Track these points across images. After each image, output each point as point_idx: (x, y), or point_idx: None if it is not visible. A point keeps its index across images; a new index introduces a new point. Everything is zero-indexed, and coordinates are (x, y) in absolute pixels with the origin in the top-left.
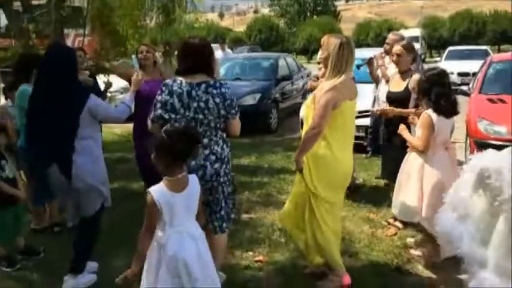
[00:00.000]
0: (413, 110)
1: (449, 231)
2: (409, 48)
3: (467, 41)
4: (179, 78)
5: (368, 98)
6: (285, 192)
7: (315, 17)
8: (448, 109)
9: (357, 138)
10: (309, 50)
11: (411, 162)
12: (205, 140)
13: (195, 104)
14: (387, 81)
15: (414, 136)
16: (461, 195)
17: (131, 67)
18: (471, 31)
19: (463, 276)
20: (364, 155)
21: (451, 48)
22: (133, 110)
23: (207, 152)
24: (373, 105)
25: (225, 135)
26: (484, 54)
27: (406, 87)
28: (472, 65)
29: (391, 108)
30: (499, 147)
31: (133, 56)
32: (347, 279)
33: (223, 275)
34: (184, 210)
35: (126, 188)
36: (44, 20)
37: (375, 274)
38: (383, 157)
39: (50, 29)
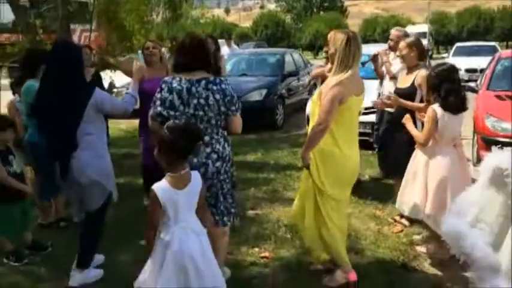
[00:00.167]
0: (416, 104)
1: (459, 235)
2: (414, 44)
3: (475, 37)
4: (179, 75)
5: (373, 94)
6: (291, 189)
7: (321, 12)
8: (456, 105)
9: (363, 134)
10: (315, 46)
11: (418, 158)
12: (207, 138)
13: (195, 101)
14: (392, 78)
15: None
16: (472, 198)
17: None
18: (479, 27)
19: (469, 274)
20: (370, 152)
21: (458, 44)
22: (138, 99)
23: (208, 150)
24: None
25: (226, 133)
26: (492, 51)
27: (412, 83)
28: (480, 62)
29: (395, 96)
30: (507, 144)
31: (139, 52)
32: (353, 276)
33: (228, 271)
34: (187, 207)
35: (132, 183)
36: (51, 15)
37: (381, 271)
38: (384, 154)
39: (56, 25)
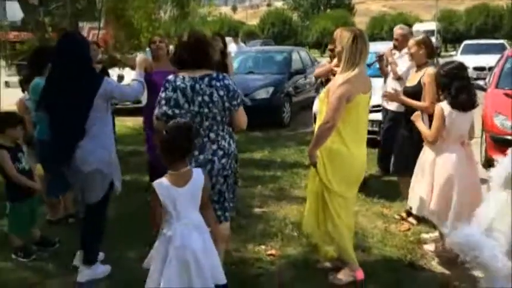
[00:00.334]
0: (419, 103)
1: (475, 246)
2: (423, 42)
3: (484, 34)
4: (181, 73)
5: (379, 92)
6: (297, 187)
7: (328, 10)
8: (467, 103)
9: (370, 132)
10: (322, 44)
11: (426, 155)
12: (212, 135)
13: (199, 98)
14: (398, 79)
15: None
16: (488, 208)
17: None
18: (487, 25)
19: (477, 273)
20: (377, 150)
21: (467, 42)
22: (145, 85)
23: (214, 147)
24: (381, 101)
25: (231, 130)
26: (501, 49)
27: (419, 82)
28: (489, 59)
29: (397, 93)
30: None
31: (147, 50)
32: (360, 274)
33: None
34: (189, 204)
35: (139, 180)
36: (60, 13)
37: (388, 269)
38: (387, 152)
39: (65, 22)
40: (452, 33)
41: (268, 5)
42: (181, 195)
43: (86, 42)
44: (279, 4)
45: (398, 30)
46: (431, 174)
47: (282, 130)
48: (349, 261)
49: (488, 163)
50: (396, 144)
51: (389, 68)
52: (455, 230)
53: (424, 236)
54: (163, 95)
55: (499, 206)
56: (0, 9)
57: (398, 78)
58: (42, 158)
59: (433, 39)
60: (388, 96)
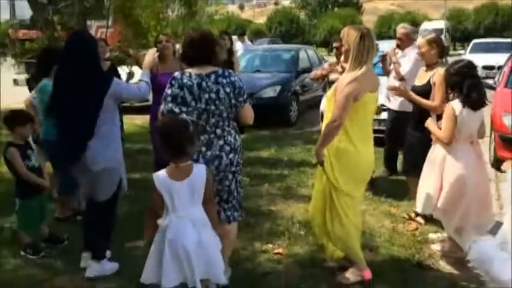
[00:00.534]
0: (427, 102)
1: (486, 259)
2: (434, 41)
3: (493, 33)
4: (188, 70)
5: (385, 91)
6: (304, 185)
7: (336, 8)
8: (478, 101)
9: (378, 131)
10: (329, 43)
11: (435, 154)
12: (219, 131)
13: (206, 96)
14: (400, 79)
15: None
16: (505, 222)
17: None
18: (496, 23)
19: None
20: (384, 149)
21: (475, 40)
22: (150, 86)
23: (221, 142)
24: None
25: (236, 125)
26: (510, 47)
27: (429, 81)
28: (498, 58)
29: (403, 87)
30: None
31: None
32: (368, 274)
33: (229, 269)
34: (188, 198)
35: (147, 178)
36: (68, 11)
37: (396, 269)
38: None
39: (73, 21)
40: (461, 32)
41: (276, 3)
42: (178, 188)
43: (94, 41)
44: (286, 3)
45: (401, 29)
46: (440, 172)
47: (289, 129)
48: (357, 260)
49: (497, 163)
50: (405, 145)
51: (391, 67)
52: (459, 234)
53: (432, 235)
54: (169, 91)
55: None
56: (9, 8)
57: (401, 79)
58: (50, 156)
59: (442, 38)
60: (397, 90)
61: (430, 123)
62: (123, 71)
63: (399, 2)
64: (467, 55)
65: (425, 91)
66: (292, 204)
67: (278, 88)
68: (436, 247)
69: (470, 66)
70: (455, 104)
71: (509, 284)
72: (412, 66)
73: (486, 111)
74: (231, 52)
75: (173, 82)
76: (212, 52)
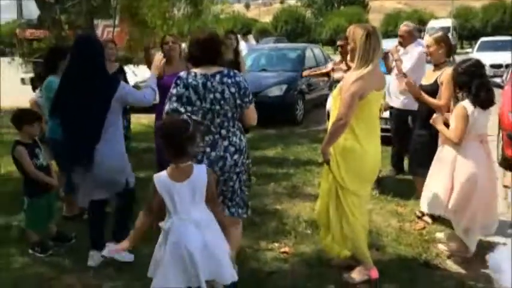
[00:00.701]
0: (434, 100)
1: (499, 269)
2: (442, 40)
3: (500, 31)
4: (193, 70)
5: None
6: (310, 184)
7: (342, 7)
8: (487, 100)
9: (384, 130)
10: (335, 41)
11: (445, 154)
12: (224, 131)
13: (211, 95)
14: (403, 77)
15: None
16: None
17: None
18: (504, 22)
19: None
20: (391, 148)
21: (483, 39)
22: (157, 92)
23: (226, 143)
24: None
25: (241, 126)
26: None
27: (436, 81)
28: (505, 57)
29: (414, 82)
30: None
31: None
32: (374, 273)
33: (235, 265)
34: (190, 199)
35: (152, 177)
36: (75, 10)
37: (403, 268)
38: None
39: (80, 20)
40: (469, 30)
41: (282, 2)
42: (179, 190)
43: (100, 43)
44: (292, 1)
45: (403, 27)
46: (451, 172)
47: (295, 127)
48: (364, 260)
49: (505, 161)
50: (411, 144)
51: (393, 64)
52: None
53: (439, 235)
54: (174, 91)
55: None
56: (16, 8)
57: (404, 76)
58: (55, 155)
59: (449, 36)
60: (407, 84)
61: (438, 122)
62: (129, 69)
63: (406, 1)
64: (475, 53)
65: (433, 90)
66: (298, 203)
67: (284, 87)
68: (443, 246)
69: (478, 65)
70: (467, 104)
71: None
72: (414, 63)
73: (494, 110)
74: (237, 52)
75: (178, 82)
76: (218, 52)
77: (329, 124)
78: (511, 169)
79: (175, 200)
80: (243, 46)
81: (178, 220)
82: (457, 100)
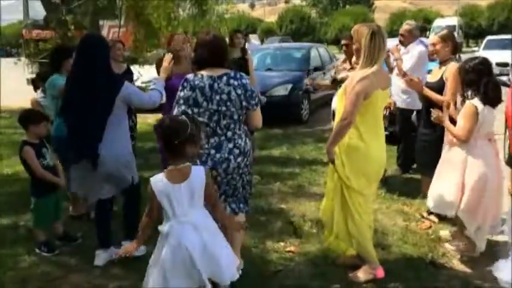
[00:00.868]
0: (439, 96)
1: (498, 268)
2: (448, 37)
3: (506, 30)
4: (200, 72)
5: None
6: (316, 184)
7: (347, 6)
8: (495, 98)
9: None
10: (340, 40)
11: (453, 153)
12: (229, 133)
13: (217, 97)
14: (403, 76)
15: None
16: None
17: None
18: (510, 20)
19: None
20: (396, 146)
21: (489, 37)
22: (164, 95)
23: (231, 145)
24: None
25: (246, 129)
26: None
27: (441, 77)
28: None
29: (419, 80)
30: None
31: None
32: (380, 272)
33: (241, 261)
34: (188, 201)
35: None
36: (81, 11)
37: (409, 267)
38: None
39: (86, 21)
40: (475, 28)
41: (287, 1)
42: (177, 191)
43: (105, 43)
44: (297, 1)
45: (404, 26)
46: (461, 172)
47: (300, 127)
48: (369, 259)
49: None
50: (417, 144)
51: (394, 63)
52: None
53: (445, 234)
54: (181, 94)
55: None
56: (22, 8)
57: (404, 75)
58: (59, 154)
59: (455, 34)
60: (410, 83)
61: (444, 119)
62: (134, 69)
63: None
64: (481, 52)
65: (439, 87)
66: (303, 203)
67: (289, 86)
68: (449, 246)
69: (486, 63)
70: (477, 103)
71: None
72: (415, 62)
73: (499, 108)
74: (244, 50)
75: (185, 84)
76: (224, 54)
77: (334, 123)
78: None
79: (173, 204)
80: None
81: (177, 223)
82: (464, 98)
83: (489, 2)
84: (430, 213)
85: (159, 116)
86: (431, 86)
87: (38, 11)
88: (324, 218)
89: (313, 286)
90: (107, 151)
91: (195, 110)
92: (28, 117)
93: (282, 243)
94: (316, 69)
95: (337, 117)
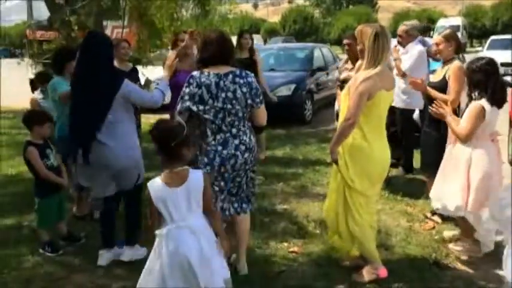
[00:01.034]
0: (443, 95)
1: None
2: (451, 37)
3: (510, 30)
4: (206, 70)
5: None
6: (319, 184)
7: (351, 6)
8: (501, 99)
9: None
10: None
11: (458, 153)
12: (234, 130)
13: (223, 95)
14: (402, 76)
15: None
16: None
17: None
18: None
19: (503, 272)
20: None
21: (493, 37)
22: (167, 95)
23: (237, 142)
24: None
25: (250, 125)
26: None
27: (444, 77)
28: None
29: (423, 81)
30: None
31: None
32: (383, 272)
33: (245, 268)
34: (185, 205)
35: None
36: (85, 11)
37: (412, 268)
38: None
39: (90, 21)
40: (478, 28)
41: (290, 2)
42: (173, 195)
43: (108, 41)
44: (300, 1)
45: (401, 26)
46: (466, 172)
47: (304, 127)
48: (372, 259)
49: None
50: (422, 144)
51: (393, 63)
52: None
53: (449, 235)
54: (187, 90)
55: None
56: (27, 9)
57: (403, 75)
58: (62, 155)
59: (459, 34)
60: (414, 84)
61: (446, 115)
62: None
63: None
64: (485, 52)
65: (442, 87)
66: (307, 203)
67: (293, 87)
68: (453, 246)
69: (492, 63)
70: (485, 103)
71: None
72: (414, 62)
73: (503, 108)
74: (252, 50)
75: (191, 81)
76: (231, 52)
77: (338, 124)
78: None
79: (170, 208)
80: None
81: (175, 228)
82: (471, 98)
83: (493, 1)
84: (433, 213)
85: (163, 116)
86: (434, 86)
87: (43, 12)
88: (327, 219)
89: (317, 286)
90: (117, 149)
91: (201, 107)
92: (32, 118)
93: (285, 244)
94: (319, 69)
95: (341, 118)
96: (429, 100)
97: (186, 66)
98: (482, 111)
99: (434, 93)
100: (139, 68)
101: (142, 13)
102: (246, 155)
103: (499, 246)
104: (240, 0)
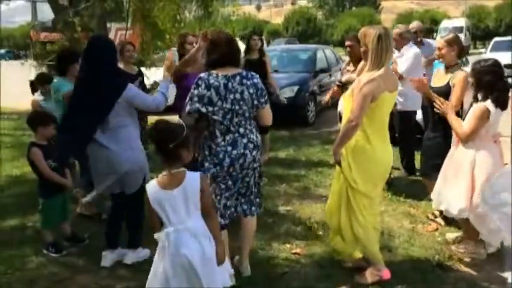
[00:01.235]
0: (447, 102)
1: None
2: (454, 41)
3: None
4: (214, 72)
5: None
6: (322, 186)
7: (354, 8)
8: (506, 101)
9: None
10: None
11: (461, 155)
12: (242, 130)
13: (231, 96)
14: (399, 78)
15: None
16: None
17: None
18: None
19: (506, 274)
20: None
21: (496, 39)
22: (169, 97)
23: (245, 140)
24: None
25: (256, 124)
26: None
27: (448, 83)
28: None
29: (427, 79)
30: None
31: (173, 49)
32: (386, 274)
33: (248, 270)
34: (183, 207)
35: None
36: (88, 13)
37: (415, 269)
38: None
39: (93, 23)
40: (482, 30)
41: (293, 3)
42: (170, 198)
43: (112, 44)
44: (303, 2)
45: (395, 29)
46: (470, 174)
47: (307, 129)
48: (375, 261)
49: None
50: (423, 146)
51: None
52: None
53: (452, 236)
54: (195, 92)
55: None
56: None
57: (400, 78)
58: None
59: (462, 36)
60: (416, 84)
61: (448, 112)
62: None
63: (418, 0)
64: (488, 53)
65: (445, 92)
66: (310, 205)
67: (296, 88)
68: (456, 248)
69: (498, 65)
70: (490, 105)
71: None
72: (410, 64)
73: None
74: (262, 52)
75: (200, 82)
76: (237, 54)
77: (341, 125)
78: None
79: (167, 211)
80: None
81: (174, 231)
82: (475, 100)
83: (497, 2)
84: (436, 215)
85: (175, 117)
86: (437, 91)
87: (47, 13)
88: (329, 220)
89: None
90: (120, 153)
91: (210, 109)
92: (36, 119)
93: (288, 245)
94: (322, 71)
95: (344, 119)
96: (430, 102)
97: (195, 69)
98: (486, 112)
99: (436, 97)
100: (142, 69)
101: (145, 15)
102: (254, 152)
103: (502, 249)
104: (243, 2)
